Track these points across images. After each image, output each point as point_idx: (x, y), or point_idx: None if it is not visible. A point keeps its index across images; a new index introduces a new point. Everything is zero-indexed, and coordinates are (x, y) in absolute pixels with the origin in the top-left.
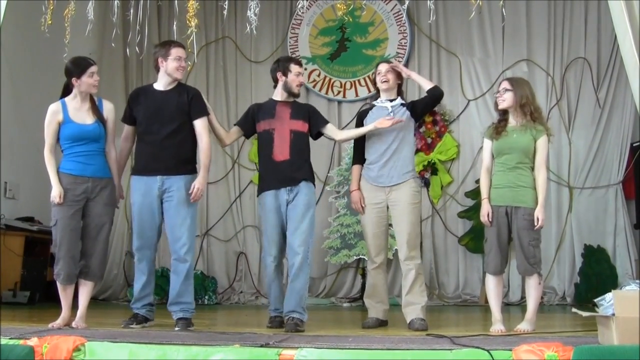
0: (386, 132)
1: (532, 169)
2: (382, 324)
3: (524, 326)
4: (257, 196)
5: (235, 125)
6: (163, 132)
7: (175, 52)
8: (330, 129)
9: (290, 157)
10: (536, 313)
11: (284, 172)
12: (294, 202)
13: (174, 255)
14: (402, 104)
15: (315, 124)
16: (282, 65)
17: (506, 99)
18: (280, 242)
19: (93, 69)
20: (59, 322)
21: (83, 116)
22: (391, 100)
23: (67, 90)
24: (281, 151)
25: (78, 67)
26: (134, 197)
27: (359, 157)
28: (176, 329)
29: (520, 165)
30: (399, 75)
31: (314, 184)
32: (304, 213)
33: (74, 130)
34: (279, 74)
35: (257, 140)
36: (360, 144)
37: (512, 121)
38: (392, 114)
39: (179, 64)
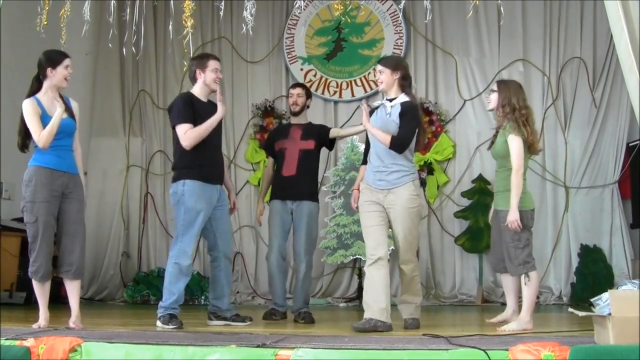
0: None
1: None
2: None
3: (511, 326)
4: None
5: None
6: (217, 142)
7: (213, 64)
8: (333, 131)
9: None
10: (530, 313)
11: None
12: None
13: (225, 255)
14: (401, 104)
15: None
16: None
17: (491, 101)
18: (284, 240)
19: (68, 61)
20: (43, 322)
21: (55, 112)
22: (391, 100)
23: (35, 87)
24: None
25: (53, 58)
26: (198, 203)
27: (365, 158)
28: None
29: (501, 169)
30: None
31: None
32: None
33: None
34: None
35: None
36: (367, 145)
37: (496, 124)
38: (389, 115)
39: (216, 76)
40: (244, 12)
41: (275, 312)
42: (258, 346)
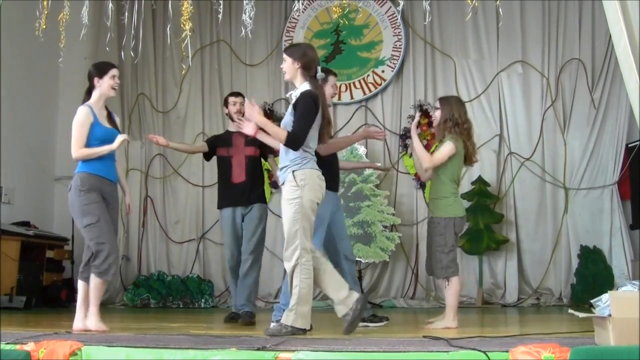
0: None
1: (444, 180)
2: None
3: (436, 324)
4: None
5: None
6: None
7: (332, 80)
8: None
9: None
10: (453, 313)
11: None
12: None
13: (346, 257)
14: (298, 95)
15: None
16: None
17: (436, 117)
18: (239, 246)
19: (114, 71)
20: (102, 325)
21: (104, 122)
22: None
23: (87, 99)
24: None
25: (101, 68)
26: (328, 210)
27: None
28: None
29: (435, 178)
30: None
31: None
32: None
33: (105, 132)
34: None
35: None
36: None
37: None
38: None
39: (334, 92)
40: (243, 15)
41: (234, 316)
42: (258, 349)
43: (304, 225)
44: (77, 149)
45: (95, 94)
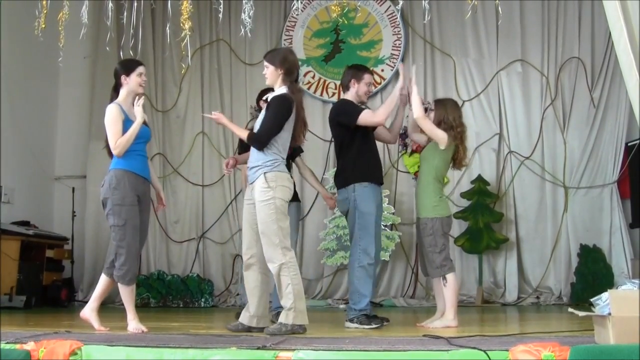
0: None
1: (429, 180)
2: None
3: (436, 324)
4: None
5: None
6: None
7: (368, 77)
8: None
9: None
10: (453, 311)
11: None
12: None
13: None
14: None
15: None
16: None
17: (430, 119)
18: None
19: (141, 69)
20: (134, 324)
21: (134, 118)
22: None
23: (114, 97)
24: None
25: (127, 66)
26: (372, 206)
27: None
28: None
29: (422, 174)
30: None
31: None
32: None
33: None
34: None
35: None
36: None
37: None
38: None
39: (369, 89)
40: (242, 14)
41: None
42: (258, 348)
43: (280, 224)
44: (114, 141)
45: (123, 92)
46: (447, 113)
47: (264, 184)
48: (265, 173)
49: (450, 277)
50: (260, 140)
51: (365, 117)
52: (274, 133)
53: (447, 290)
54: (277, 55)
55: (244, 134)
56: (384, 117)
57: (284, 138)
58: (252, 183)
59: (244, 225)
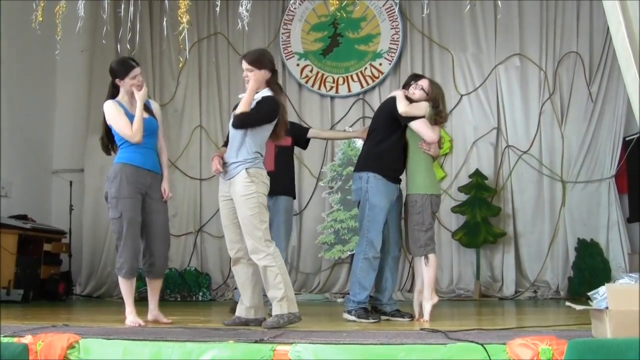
0: None
1: (419, 157)
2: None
3: (426, 308)
4: None
5: None
6: None
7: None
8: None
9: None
10: (432, 290)
11: None
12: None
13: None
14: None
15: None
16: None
17: (414, 95)
18: None
19: (135, 71)
20: (132, 318)
21: (134, 112)
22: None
23: (113, 92)
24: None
25: (120, 70)
26: (383, 200)
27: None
28: None
29: (412, 152)
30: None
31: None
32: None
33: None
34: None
35: None
36: None
37: None
38: None
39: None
40: (240, 7)
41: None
42: (256, 342)
43: (262, 218)
44: (129, 130)
45: (121, 92)
46: (438, 96)
47: (247, 179)
48: (247, 169)
49: (432, 257)
50: (243, 122)
51: (423, 126)
52: (254, 126)
53: (429, 270)
54: (261, 58)
55: (245, 107)
56: (435, 138)
57: (265, 136)
58: (230, 179)
59: (224, 222)
